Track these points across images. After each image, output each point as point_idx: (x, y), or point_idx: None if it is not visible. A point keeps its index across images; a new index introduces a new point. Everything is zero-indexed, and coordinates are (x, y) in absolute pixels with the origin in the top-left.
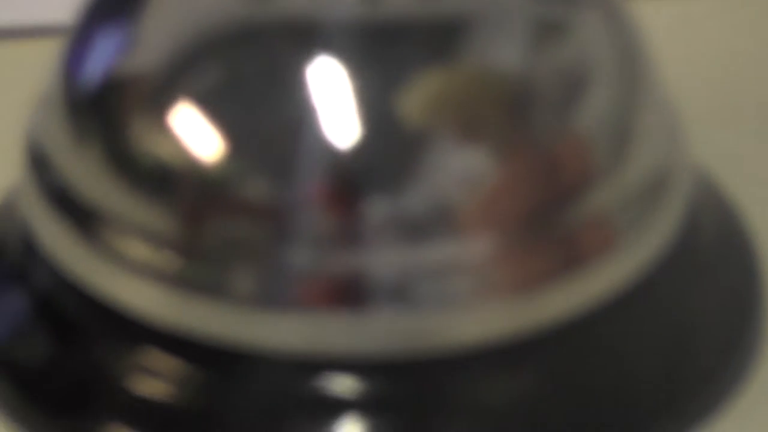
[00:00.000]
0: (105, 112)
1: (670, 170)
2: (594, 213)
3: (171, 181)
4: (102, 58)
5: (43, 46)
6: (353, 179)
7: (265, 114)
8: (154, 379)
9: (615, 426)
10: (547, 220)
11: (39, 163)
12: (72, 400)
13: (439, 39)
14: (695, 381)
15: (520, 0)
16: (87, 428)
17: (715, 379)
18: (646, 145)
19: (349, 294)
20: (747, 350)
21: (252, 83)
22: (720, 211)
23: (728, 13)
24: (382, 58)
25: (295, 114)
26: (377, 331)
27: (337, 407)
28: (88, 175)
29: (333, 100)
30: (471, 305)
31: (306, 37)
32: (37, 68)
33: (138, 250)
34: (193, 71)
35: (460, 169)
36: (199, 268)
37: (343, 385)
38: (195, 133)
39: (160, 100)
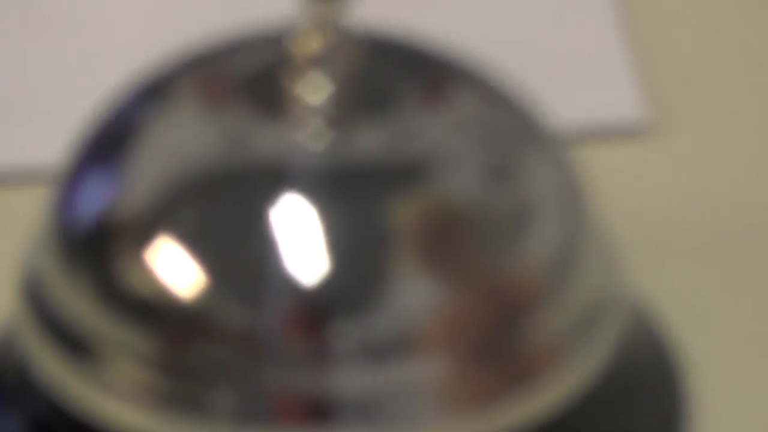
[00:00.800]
0: (94, 247)
1: (606, 300)
2: (538, 337)
3: (155, 312)
4: (90, 198)
5: (34, 190)
6: (318, 308)
7: (239, 251)
8: None
9: None
10: (497, 343)
11: (33, 296)
12: None
13: (400, 181)
14: None
15: (473, 146)
16: None
17: None
18: (584, 277)
19: (318, 412)
20: None
21: (226, 223)
22: (651, 335)
23: (673, 150)
24: (345, 198)
25: (265, 250)
26: None
27: None
28: (80, 307)
29: (301, 237)
30: (430, 422)
31: (276, 179)
32: (29, 209)
33: (124, 372)
34: (173, 213)
35: (419, 297)
36: (180, 388)
37: None
38: (176, 269)
39: (143, 239)
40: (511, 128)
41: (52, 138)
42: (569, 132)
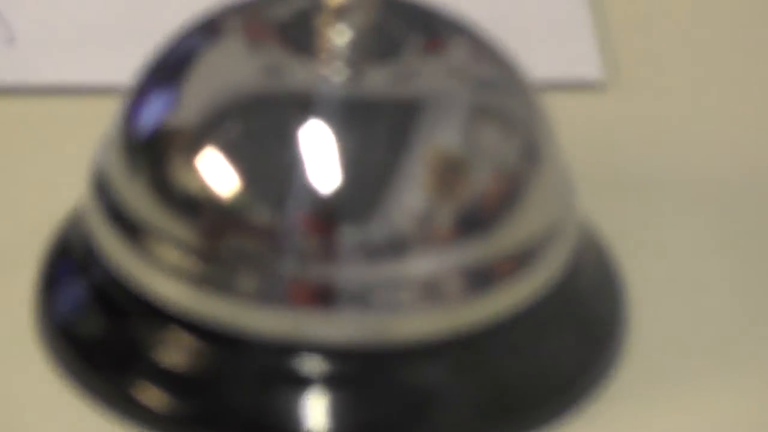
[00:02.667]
0: (152, 152)
1: (562, 219)
2: (504, 249)
3: (197, 206)
4: (152, 111)
5: (108, 101)
6: (329, 213)
7: (269, 161)
8: (175, 352)
9: (506, 410)
10: (472, 251)
11: (100, 186)
12: (116, 366)
13: (401, 112)
14: (568, 380)
15: (462, 86)
16: (126, 387)
17: (586, 376)
18: (546, 198)
19: (322, 297)
20: (610, 360)
21: (260, 138)
22: (598, 252)
23: (624, 102)
24: (357, 124)
25: (290, 162)
26: (341, 326)
27: (307, 382)
28: (136, 198)
29: (320, 153)
30: (412, 311)
31: (303, 105)
32: (103, 116)
33: (169, 255)
34: (217, 127)
35: (408, 210)
36: (213, 271)
37: (313, 365)
38: (216, 173)
39: (192, 146)
40: (494, 74)
41: (127, 61)
42: (538, 82)
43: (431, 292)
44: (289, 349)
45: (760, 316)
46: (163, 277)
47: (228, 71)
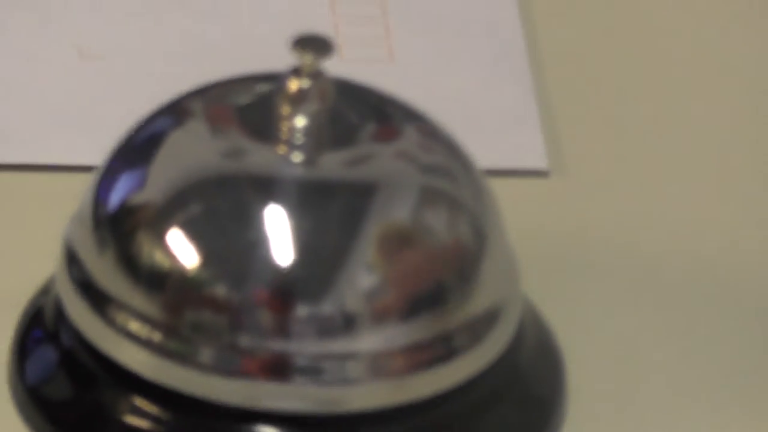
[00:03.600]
0: (118, 228)
1: (508, 298)
2: (450, 326)
3: (160, 281)
4: (119, 190)
5: (79, 178)
6: (285, 290)
7: (229, 240)
8: (139, 417)
9: None
10: (422, 327)
11: (70, 259)
12: (83, 428)
13: (355, 193)
14: None
15: (413, 169)
16: None
17: None
18: (493, 278)
19: (277, 369)
20: (554, 427)
21: (221, 217)
22: (539, 331)
23: (566, 190)
24: (314, 204)
25: (249, 241)
26: (295, 396)
27: None
28: (103, 271)
29: (277, 233)
30: (361, 383)
31: (261, 186)
32: (74, 193)
33: (134, 325)
34: (181, 206)
35: (361, 288)
36: (174, 342)
37: (270, 429)
38: (179, 250)
39: (157, 224)
40: (444, 160)
41: (96, 142)
42: (487, 169)
43: (379, 366)
44: (246, 416)
45: (692, 394)
46: (127, 346)
47: (191, 153)
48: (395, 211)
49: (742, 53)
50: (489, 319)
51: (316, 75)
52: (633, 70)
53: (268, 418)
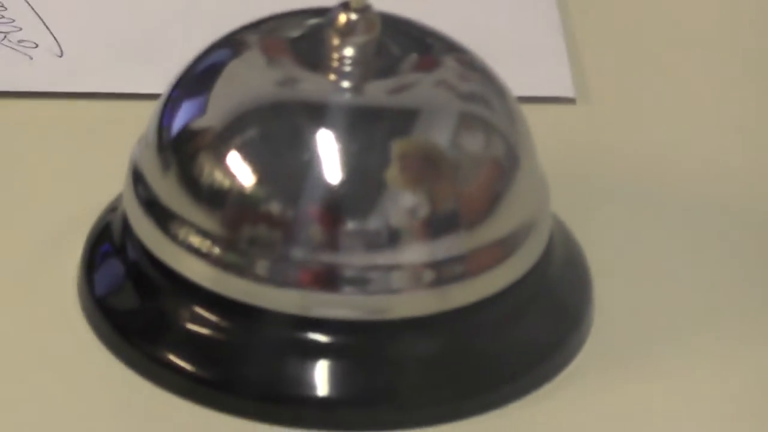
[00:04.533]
0: (181, 151)
1: (537, 217)
2: (487, 240)
3: (220, 199)
4: (181, 116)
5: (144, 106)
6: (336, 207)
7: (283, 161)
8: (199, 325)
9: (486, 380)
10: (458, 242)
11: (136, 179)
12: (147, 336)
13: (399, 118)
14: (542, 355)
15: (451, 96)
16: (156, 354)
17: (556, 353)
18: (525, 195)
19: (327, 280)
20: (579, 338)
21: (276, 141)
22: (568, 246)
23: (592, 117)
24: (361, 128)
25: (302, 162)
26: (343, 305)
27: (314, 352)
28: (167, 190)
29: (329, 154)
30: (405, 293)
31: (312, 112)
32: (140, 119)
33: (195, 240)
34: (238, 130)
35: (406, 207)
36: (233, 256)
37: (318, 337)
38: (237, 170)
39: (216, 147)
40: (480, 88)
41: (161, 72)
42: (519, 97)
43: (421, 276)
44: (298, 323)
45: (711, 301)
46: (189, 259)
47: (248, 82)
48: (436, 135)
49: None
50: (521, 234)
51: (363, 9)
52: (653, 7)
53: (319, 324)
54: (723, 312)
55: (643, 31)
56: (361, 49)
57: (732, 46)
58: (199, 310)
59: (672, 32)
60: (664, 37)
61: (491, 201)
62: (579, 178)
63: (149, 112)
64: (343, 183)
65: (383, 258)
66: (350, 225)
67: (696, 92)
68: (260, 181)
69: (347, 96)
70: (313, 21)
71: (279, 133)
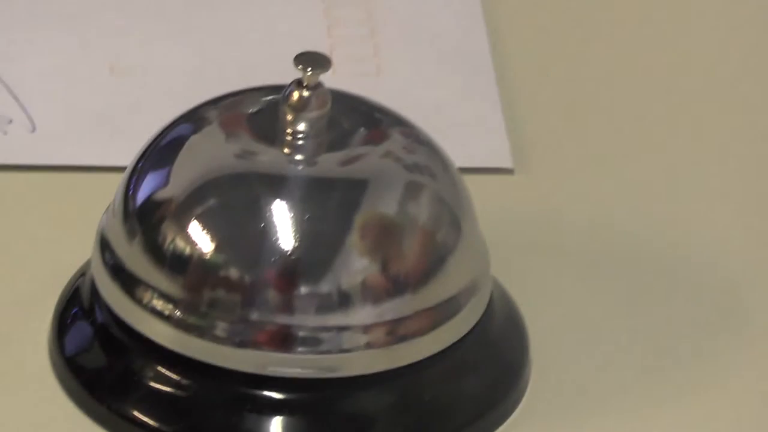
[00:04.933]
0: (145, 219)
1: (479, 280)
2: (432, 302)
3: (181, 265)
4: (146, 186)
5: (112, 177)
6: (290, 272)
7: (242, 228)
8: (163, 382)
9: (436, 431)
10: (405, 304)
11: (103, 245)
12: (114, 392)
13: (350, 187)
14: (483, 409)
15: (399, 167)
16: (122, 410)
17: (497, 406)
18: (467, 261)
19: (283, 340)
20: (517, 392)
21: (235, 209)
22: (506, 306)
23: (528, 185)
24: (315, 197)
25: (259, 230)
26: (297, 364)
27: (270, 407)
28: (132, 256)
29: (284, 223)
30: (355, 352)
31: (269, 183)
32: (108, 189)
33: (158, 303)
34: (199, 200)
35: (356, 271)
36: (194, 318)
37: (275, 393)
38: (198, 237)
39: (178, 215)
40: (425, 159)
41: (127, 146)
42: (461, 168)
43: (371, 337)
44: (254, 381)
45: (641, 358)
46: (153, 321)
47: (208, 154)
48: (384, 204)
49: (694, 62)
50: (464, 296)
51: (316, 86)
52: (586, 86)
53: (274, 382)
54: (652, 368)
55: (577, 107)
56: (313, 124)
57: (669, 119)
58: (162, 369)
59: (606, 109)
60: (596, 111)
61: (436, 265)
62: (517, 242)
63: (116, 183)
64: (296, 249)
65: (334, 320)
66: (303, 289)
67: (625, 160)
68: (219, 248)
69: (301, 168)
70: (269, 97)
71: (237, 203)
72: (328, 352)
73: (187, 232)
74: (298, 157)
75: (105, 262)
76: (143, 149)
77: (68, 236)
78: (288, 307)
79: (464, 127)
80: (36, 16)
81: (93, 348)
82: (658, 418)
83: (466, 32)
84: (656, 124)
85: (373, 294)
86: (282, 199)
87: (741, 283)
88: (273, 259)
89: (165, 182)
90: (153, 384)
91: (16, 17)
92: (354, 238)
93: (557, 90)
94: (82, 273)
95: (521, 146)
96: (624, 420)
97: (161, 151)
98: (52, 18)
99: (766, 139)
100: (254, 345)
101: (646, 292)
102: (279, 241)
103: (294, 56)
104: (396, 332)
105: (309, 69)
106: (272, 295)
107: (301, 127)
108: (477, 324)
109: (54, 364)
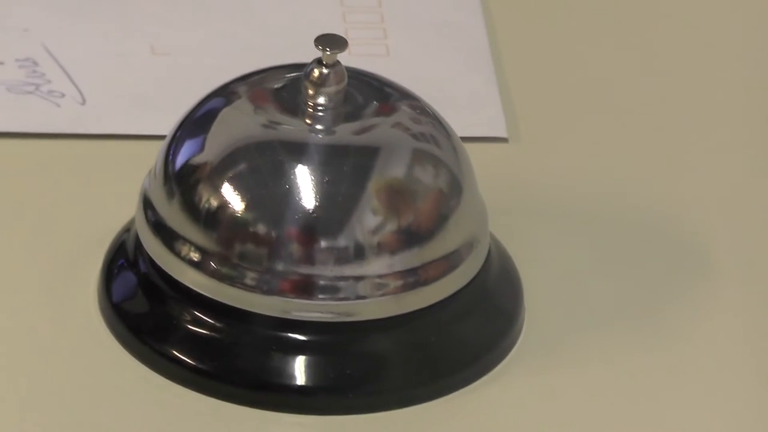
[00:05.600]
0: (183, 181)
1: (478, 236)
2: (436, 255)
3: (215, 221)
4: (184, 152)
5: (154, 145)
6: (311, 228)
7: (268, 190)
8: (199, 325)
9: (437, 371)
10: (413, 257)
11: (146, 205)
12: (156, 334)
13: (364, 154)
14: (482, 351)
15: (408, 136)
16: (163, 350)
17: (494, 348)
18: (468, 218)
19: (305, 288)
20: (513, 336)
21: (262, 173)
22: (502, 259)
23: (523, 152)
24: (334, 162)
25: (283, 191)
26: (318, 309)
27: (294, 348)
28: (172, 214)
29: (305, 185)
30: (369, 299)
31: (293, 150)
32: (150, 155)
33: (195, 255)
34: (231, 165)
35: (370, 227)
36: (226, 268)
37: (298, 335)
38: (229, 197)
39: (212, 178)
40: (430, 129)
41: (167, 117)
42: (462, 137)
43: (383, 286)
44: (280, 324)
45: (624, 304)
46: (190, 271)
47: (238, 125)
48: (394, 168)
49: (685, 39)
50: (465, 250)
51: (334, 64)
52: (574, 65)
53: (298, 325)
54: (635, 316)
55: (566, 82)
56: (331, 97)
57: (649, 89)
58: (198, 314)
59: (592, 85)
60: (583, 86)
61: (440, 223)
62: (511, 203)
63: (157, 150)
64: (316, 208)
65: (350, 270)
66: (323, 243)
67: (609, 131)
68: (248, 207)
69: (320, 136)
70: (292, 74)
71: (264, 168)
72: (346, 299)
73: (220, 193)
74: (318, 126)
75: (147, 219)
76: (181, 120)
77: (115, 197)
78: (309, 259)
79: (464, 101)
80: (83, 3)
81: (137, 295)
82: (640, 361)
83: (465, 17)
84: (644, 97)
85: (384, 248)
86: (303, 164)
87: (715, 243)
88: (296, 217)
89: (200, 149)
90: (190, 327)
91: (64, 4)
92: (367, 199)
93: (548, 67)
94: (127, 229)
95: (515, 118)
96: (608, 363)
97: (196, 121)
98: (98, 4)
99: (751, 116)
100: (279, 292)
101: (629, 249)
102: (301, 201)
103: (315, 38)
104: (405, 281)
105: (328, 49)
106: (295, 248)
107: (321, 100)
108: (476, 275)
109: (102, 309)
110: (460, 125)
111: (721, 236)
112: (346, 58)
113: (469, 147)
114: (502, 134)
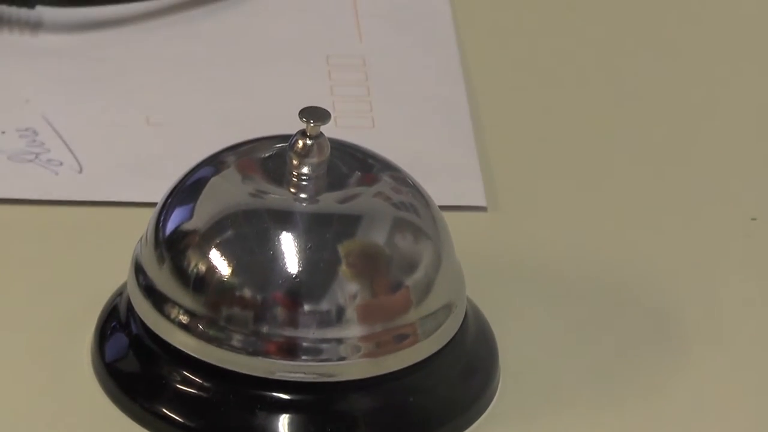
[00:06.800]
0: (173, 247)
1: (456, 300)
2: (417, 319)
3: (203, 285)
4: (174, 219)
5: (145, 212)
6: (295, 293)
7: (254, 256)
8: (188, 384)
9: (418, 428)
10: (394, 321)
11: (137, 269)
12: (147, 393)
13: (346, 223)
14: (460, 409)
15: (388, 206)
16: (154, 409)
17: (470, 408)
18: (446, 284)
19: (289, 349)
20: (489, 394)
21: (249, 239)
22: (479, 322)
23: (501, 222)
24: (316, 231)
25: (269, 257)
26: (302, 370)
27: (279, 406)
28: (162, 278)
29: (290, 251)
30: (349, 360)
31: (278, 218)
32: (142, 222)
33: (184, 318)
34: (219, 232)
35: (349, 292)
36: (214, 330)
37: (282, 395)
38: (217, 263)
39: (201, 244)
40: (410, 199)
41: (158, 185)
42: (441, 206)
43: (363, 348)
44: (265, 384)
45: (602, 369)
46: (179, 333)
47: (227, 193)
48: (375, 236)
49: (659, 105)
50: (443, 314)
51: (317, 136)
52: (550, 137)
53: (282, 385)
54: (607, 376)
55: (542, 154)
56: (315, 168)
57: (625, 160)
58: (188, 374)
59: (572, 151)
60: (563, 154)
61: (419, 288)
62: (488, 269)
63: (148, 216)
64: (300, 273)
65: (332, 333)
66: (306, 307)
67: (587, 203)
68: (235, 272)
69: (304, 205)
70: (278, 145)
71: (250, 235)
72: (328, 360)
73: (208, 259)
74: (302, 195)
75: (139, 284)
76: (171, 188)
77: (109, 261)
78: (293, 322)
79: (444, 171)
80: (82, 76)
81: (128, 355)
82: (613, 424)
83: (448, 90)
84: (620, 168)
85: (365, 311)
86: (288, 231)
87: (692, 309)
88: (280, 282)
89: (189, 216)
90: (179, 386)
91: (64, 77)
92: (349, 266)
93: (526, 140)
94: (120, 292)
95: (494, 188)
96: (581, 422)
97: (187, 189)
98: (96, 77)
99: (730, 176)
100: (264, 354)
101: (605, 315)
102: (285, 267)
103: (299, 111)
104: (384, 344)
105: (311, 121)
106: (280, 311)
107: (305, 170)
108: (453, 338)
109: (96, 370)
110: (440, 195)
111: (697, 303)
112: (332, 130)
113: (449, 216)
114: (482, 203)
